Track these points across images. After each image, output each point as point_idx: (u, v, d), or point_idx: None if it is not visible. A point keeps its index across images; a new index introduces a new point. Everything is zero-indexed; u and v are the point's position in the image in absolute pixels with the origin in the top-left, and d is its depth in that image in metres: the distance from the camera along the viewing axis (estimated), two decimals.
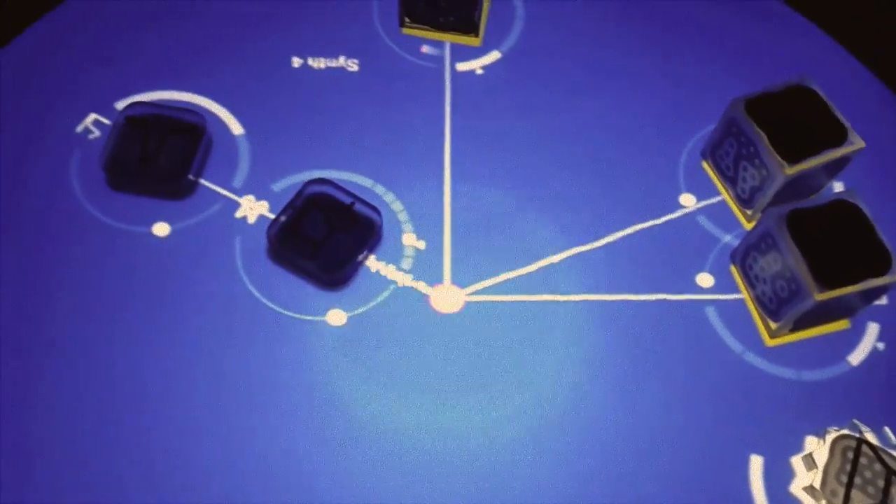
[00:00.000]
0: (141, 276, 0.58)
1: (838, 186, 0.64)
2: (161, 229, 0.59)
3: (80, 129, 0.63)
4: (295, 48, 0.67)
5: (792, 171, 0.56)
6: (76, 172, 0.61)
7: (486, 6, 0.68)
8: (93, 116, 0.64)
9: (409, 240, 0.60)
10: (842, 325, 0.58)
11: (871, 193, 0.62)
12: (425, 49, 0.68)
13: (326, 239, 0.57)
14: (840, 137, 0.57)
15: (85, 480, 0.51)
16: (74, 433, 0.52)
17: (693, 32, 0.71)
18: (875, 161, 0.65)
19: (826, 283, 0.52)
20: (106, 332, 0.56)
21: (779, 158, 0.56)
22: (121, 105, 0.63)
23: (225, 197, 0.61)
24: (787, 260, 0.53)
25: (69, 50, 0.67)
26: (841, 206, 0.55)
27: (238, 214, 0.60)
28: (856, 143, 0.57)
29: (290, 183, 0.61)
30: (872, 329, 0.59)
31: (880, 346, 0.58)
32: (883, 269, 0.53)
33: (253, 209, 0.60)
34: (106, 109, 0.64)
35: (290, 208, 0.58)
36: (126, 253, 0.58)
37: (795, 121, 0.58)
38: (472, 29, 0.67)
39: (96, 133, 0.63)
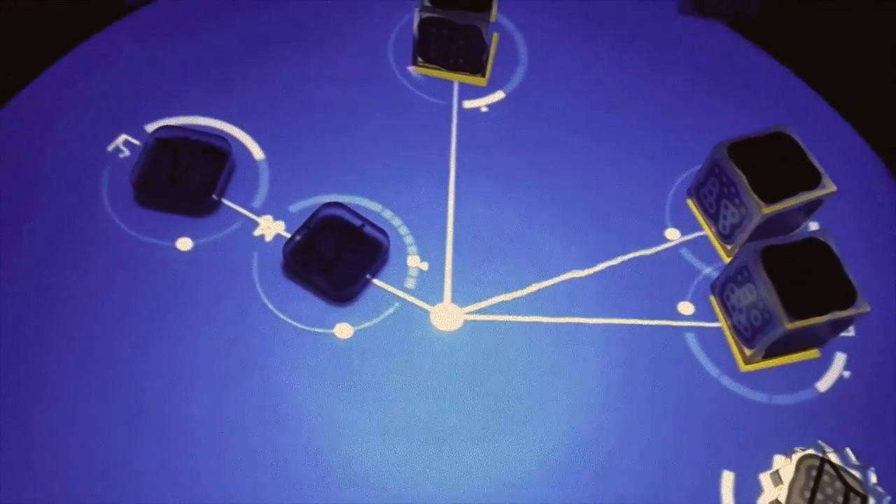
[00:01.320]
0: (164, 287, 0.62)
1: (814, 225, 0.68)
2: (184, 244, 0.64)
3: (111, 148, 0.68)
4: (315, 80, 0.72)
5: (768, 210, 0.61)
6: (107, 189, 0.66)
7: (492, 50, 0.74)
8: (123, 137, 0.69)
9: (414, 261, 0.65)
10: (812, 353, 0.63)
11: (843, 233, 0.67)
12: (412, 69, 0.73)
13: (337, 258, 0.62)
14: (814, 181, 0.62)
15: (105, 482, 0.55)
16: (92, 436, 0.56)
17: (684, 79, 0.76)
18: (848, 203, 0.69)
19: (796, 314, 0.57)
20: (130, 336, 0.60)
21: (757, 199, 0.61)
22: (151, 128, 0.68)
23: (245, 216, 0.66)
24: (761, 292, 0.58)
25: (104, 75, 0.72)
26: (812, 245, 0.60)
27: (256, 232, 0.65)
28: (828, 186, 0.62)
29: (305, 205, 0.66)
30: (840, 359, 0.63)
31: (846, 374, 0.62)
32: (848, 303, 0.57)
33: (270, 228, 0.65)
34: (136, 131, 0.69)
35: (304, 228, 0.63)
36: (151, 265, 0.63)
37: (774, 165, 0.62)
38: (479, 70, 0.72)
39: (126, 153, 0.68)
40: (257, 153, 0.69)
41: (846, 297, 0.58)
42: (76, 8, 0.75)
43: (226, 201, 0.66)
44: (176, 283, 0.62)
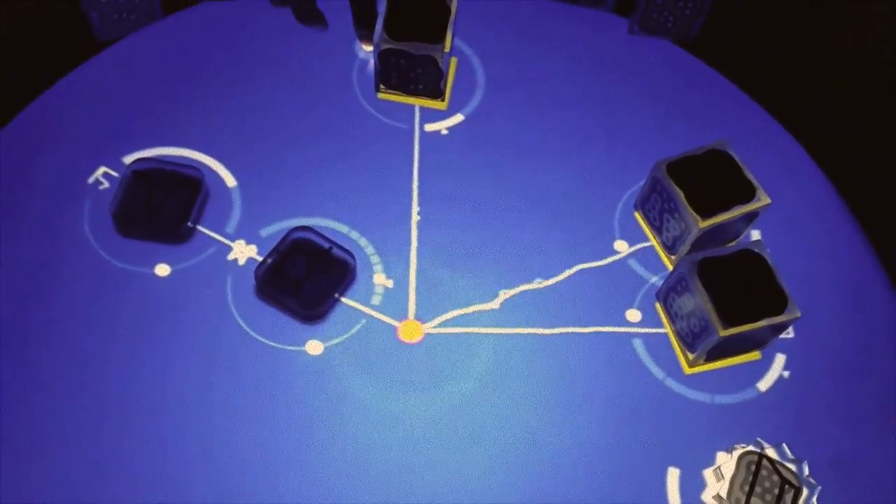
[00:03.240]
0: (143, 311, 0.66)
1: (755, 234, 0.73)
2: (162, 270, 0.68)
3: (91, 180, 0.72)
4: (282, 110, 0.76)
5: (705, 224, 0.65)
6: (87, 219, 0.70)
7: (451, 74, 0.78)
8: (102, 169, 0.72)
9: (380, 279, 0.69)
10: (754, 355, 0.67)
11: (785, 240, 0.72)
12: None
13: (307, 279, 0.66)
14: (749, 195, 0.66)
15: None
16: (68, 455, 0.60)
17: (633, 97, 0.80)
18: (791, 212, 0.74)
19: (730, 321, 0.61)
20: (110, 359, 0.64)
21: (693, 213, 0.65)
22: (128, 159, 0.72)
23: (219, 242, 0.70)
24: (697, 301, 0.62)
25: (83, 110, 0.76)
26: (747, 255, 0.64)
27: (230, 257, 0.69)
28: (763, 199, 0.66)
29: (276, 229, 0.70)
30: (780, 359, 0.67)
31: (785, 374, 0.67)
32: (779, 310, 0.62)
33: (243, 252, 0.69)
34: (115, 163, 0.73)
35: (275, 252, 0.67)
36: (130, 290, 0.67)
37: (710, 180, 0.67)
38: (438, 95, 0.76)
39: (106, 184, 0.72)
40: (230, 181, 0.73)
41: (778, 304, 0.62)
42: (49, 45, 0.79)
43: (201, 228, 0.70)
44: (155, 306, 0.66)
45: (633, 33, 0.83)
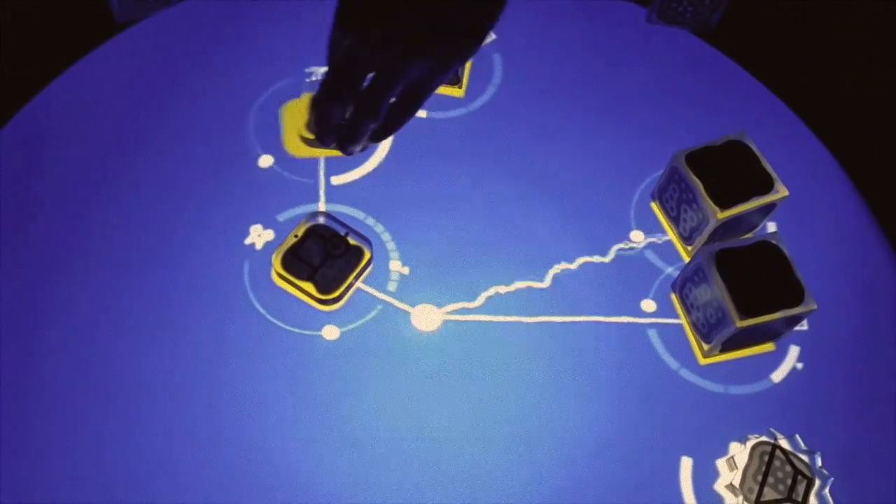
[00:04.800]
0: (161, 293, 0.67)
1: (771, 226, 0.73)
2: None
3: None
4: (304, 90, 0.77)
5: (723, 215, 0.65)
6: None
7: (468, 63, 0.78)
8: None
9: (396, 266, 0.69)
10: (767, 347, 0.68)
11: (801, 232, 0.72)
12: None
13: (323, 264, 0.66)
14: (767, 186, 0.66)
15: (106, 472, 0.60)
16: (91, 434, 0.61)
17: (651, 86, 0.80)
18: (807, 204, 0.74)
19: (746, 312, 0.61)
20: (129, 339, 0.64)
21: (712, 204, 0.65)
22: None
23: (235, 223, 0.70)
24: (714, 292, 0.62)
25: (103, 89, 0.76)
26: (764, 247, 0.64)
27: (247, 241, 0.69)
28: (781, 191, 0.66)
29: (293, 214, 0.70)
30: (794, 351, 0.68)
31: (799, 366, 0.67)
32: (796, 302, 0.62)
33: (260, 237, 0.69)
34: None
35: (292, 237, 0.67)
36: (151, 281, 0.67)
37: (729, 171, 0.67)
38: (455, 82, 0.76)
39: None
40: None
41: (795, 295, 0.62)
42: (68, 27, 0.79)
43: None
44: (174, 291, 0.67)
45: (651, 23, 0.83)
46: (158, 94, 0.76)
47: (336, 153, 0.59)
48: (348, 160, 0.73)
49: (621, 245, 0.71)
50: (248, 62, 0.78)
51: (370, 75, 0.52)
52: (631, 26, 0.83)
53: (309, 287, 0.66)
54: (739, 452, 0.62)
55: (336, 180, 0.73)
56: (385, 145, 0.74)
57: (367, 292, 0.68)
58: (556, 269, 0.69)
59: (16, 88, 0.75)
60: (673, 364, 0.66)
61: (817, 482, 0.61)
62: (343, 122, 0.54)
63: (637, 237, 0.71)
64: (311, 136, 0.69)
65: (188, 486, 0.59)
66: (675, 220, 0.71)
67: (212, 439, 0.61)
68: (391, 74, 0.51)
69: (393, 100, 0.53)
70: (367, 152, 0.74)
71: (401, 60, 0.51)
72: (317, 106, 0.53)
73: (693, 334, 0.67)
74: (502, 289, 0.68)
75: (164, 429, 0.61)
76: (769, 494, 0.60)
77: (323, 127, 0.54)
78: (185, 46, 0.79)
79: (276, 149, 0.73)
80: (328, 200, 0.71)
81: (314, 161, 0.73)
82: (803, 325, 0.69)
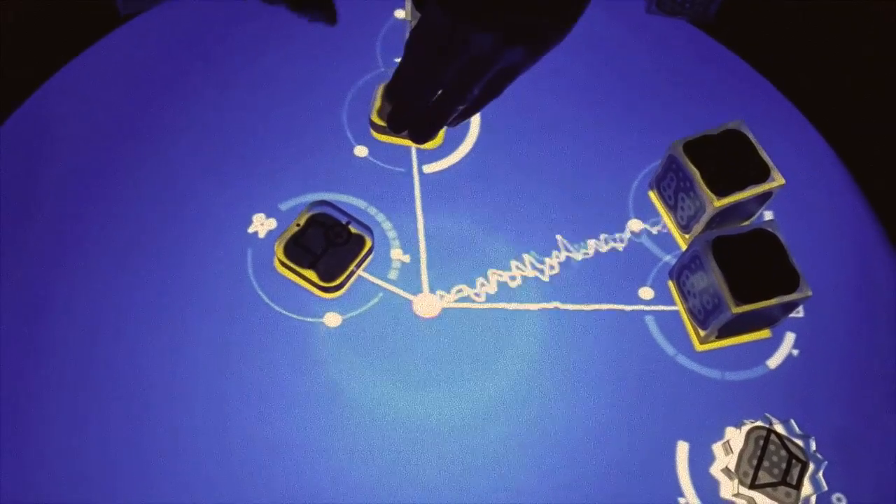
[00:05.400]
0: (166, 281, 0.67)
1: (768, 214, 0.73)
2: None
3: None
4: (304, 82, 0.77)
5: (720, 203, 0.66)
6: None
7: None
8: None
9: (397, 254, 0.70)
10: (764, 334, 0.68)
11: (797, 221, 0.73)
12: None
13: (325, 252, 0.67)
14: (763, 175, 0.67)
15: (109, 460, 0.61)
16: (98, 423, 0.62)
17: (648, 77, 0.81)
18: (804, 193, 0.75)
19: (742, 298, 0.62)
20: (134, 329, 0.65)
21: (709, 193, 0.66)
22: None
23: (238, 212, 0.71)
24: (711, 278, 0.63)
25: (107, 79, 0.77)
26: (761, 234, 0.65)
27: (250, 230, 0.70)
28: (777, 180, 0.67)
29: (295, 203, 0.71)
30: (790, 338, 0.68)
31: (795, 352, 0.68)
32: (792, 288, 0.63)
33: (263, 225, 0.70)
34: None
35: (294, 225, 0.68)
36: (150, 266, 0.68)
37: (726, 160, 0.67)
38: None
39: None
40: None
41: (790, 282, 0.63)
42: (71, 18, 0.79)
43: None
44: (178, 280, 0.68)
45: (650, 13, 0.84)
46: (161, 87, 0.77)
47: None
48: (349, 149, 0.74)
49: (619, 234, 0.71)
50: (246, 52, 0.79)
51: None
52: (630, 16, 0.84)
53: (311, 275, 0.67)
54: (735, 437, 0.63)
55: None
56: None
57: (368, 280, 0.69)
58: (556, 257, 0.70)
59: (18, 83, 0.76)
60: (670, 350, 0.67)
61: (811, 466, 0.61)
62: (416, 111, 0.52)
63: (635, 226, 0.72)
64: (382, 123, 0.71)
65: (190, 474, 0.60)
66: (672, 208, 0.71)
67: (214, 426, 0.62)
68: (492, 58, 0.50)
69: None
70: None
71: (510, 45, 0.50)
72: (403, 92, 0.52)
73: (690, 321, 0.68)
74: (502, 276, 0.69)
75: (167, 417, 0.62)
76: (764, 478, 0.61)
77: (404, 114, 0.53)
78: (186, 38, 0.80)
79: (264, 139, 0.74)
80: (329, 190, 0.72)
81: (318, 150, 0.74)
82: (799, 312, 0.69)
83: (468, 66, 0.51)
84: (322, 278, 0.67)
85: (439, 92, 0.54)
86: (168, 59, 0.78)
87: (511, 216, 0.72)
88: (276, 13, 0.81)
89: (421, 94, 0.51)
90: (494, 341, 0.67)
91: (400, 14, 0.82)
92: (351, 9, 0.82)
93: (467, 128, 0.76)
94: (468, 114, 0.55)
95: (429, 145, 0.74)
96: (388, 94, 0.54)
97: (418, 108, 0.52)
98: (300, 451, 0.62)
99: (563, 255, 0.70)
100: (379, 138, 0.75)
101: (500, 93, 0.55)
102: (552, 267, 0.70)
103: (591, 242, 0.71)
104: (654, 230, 0.72)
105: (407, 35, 0.75)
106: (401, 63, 0.53)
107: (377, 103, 0.73)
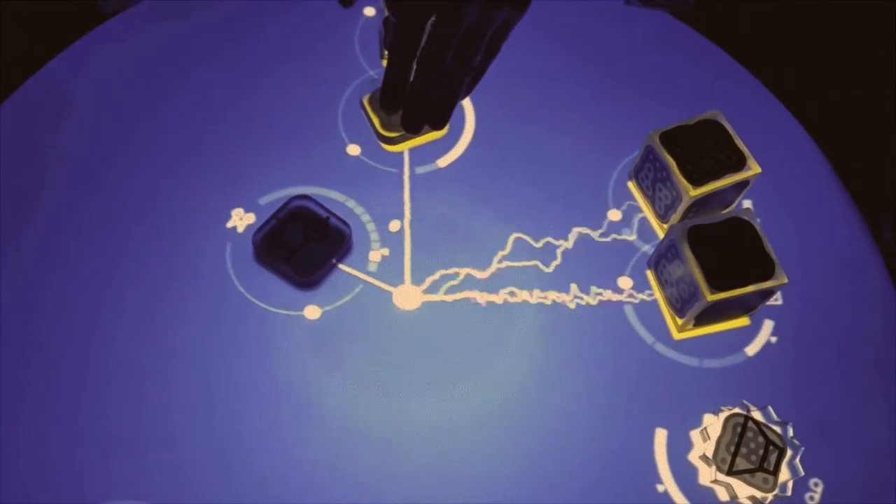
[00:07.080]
0: (151, 277, 0.68)
1: (747, 203, 0.74)
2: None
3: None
4: (286, 77, 0.77)
5: (696, 193, 0.66)
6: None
7: None
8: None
9: (376, 247, 0.70)
10: (742, 321, 0.69)
11: (776, 208, 0.73)
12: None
13: (302, 247, 0.67)
14: (740, 164, 0.67)
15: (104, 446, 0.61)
16: (90, 415, 0.62)
17: (628, 68, 0.81)
18: (782, 181, 0.75)
19: (717, 286, 0.62)
20: (121, 322, 0.66)
21: (685, 182, 0.66)
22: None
23: (214, 207, 0.71)
24: (686, 267, 0.64)
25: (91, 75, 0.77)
26: (736, 223, 0.65)
27: (229, 224, 0.70)
28: (753, 168, 0.67)
29: (275, 197, 0.71)
30: (768, 325, 0.69)
31: (773, 339, 0.68)
32: (767, 276, 0.63)
33: (242, 220, 0.70)
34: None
35: (273, 219, 0.68)
36: (139, 265, 0.69)
37: (702, 150, 0.68)
38: None
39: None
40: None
41: (766, 269, 0.63)
42: (53, 15, 0.79)
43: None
44: (161, 273, 0.68)
45: (630, 4, 0.84)
46: (142, 83, 0.77)
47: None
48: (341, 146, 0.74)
49: (599, 224, 0.72)
50: (230, 48, 0.79)
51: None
52: (610, 8, 0.84)
53: (287, 269, 0.67)
54: (713, 424, 0.63)
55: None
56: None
57: (348, 273, 0.69)
58: (535, 247, 0.70)
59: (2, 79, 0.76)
60: (648, 338, 0.67)
61: (789, 452, 0.62)
62: (431, 95, 0.53)
63: (615, 216, 0.72)
64: (391, 134, 0.72)
65: (170, 467, 0.61)
66: (650, 198, 0.72)
67: (194, 419, 0.62)
68: (485, 22, 0.52)
69: None
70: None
71: (493, 5, 0.51)
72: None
73: (668, 310, 0.68)
74: (481, 268, 0.69)
75: (146, 410, 0.62)
76: (741, 464, 0.61)
77: (416, 105, 0.53)
78: (168, 35, 0.80)
79: (249, 135, 0.74)
80: (311, 184, 0.72)
81: (303, 144, 0.74)
82: (778, 300, 0.70)
83: (464, 41, 0.52)
84: (298, 273, 0.67)
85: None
86: (149, 56, 0.79)
87: (490, 208, 0.72)
88: (263, 9, 0.81)
89: (428, 83, 0.52)
90: (474, 332, 0.67)
91: (369, 12, 0.82)
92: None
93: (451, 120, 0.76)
94: (475, 82, 0.56)
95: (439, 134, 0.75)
96: (387, 102, 0.54)
97: (431, 98, 0.53)
98: (279, 444, 0.62)
99: (543, 245, 0.70)
100: (396, 149, 0.74)
101: (498, 52, 0.56)
102: (532, 258, 0.70)
103: (572, 232, 0.71)
104: (634, 220, 0.72)
105: (383, 33, 0.75)
106: (389, 68, 0.53)
107: (374, 118, 0.73)
